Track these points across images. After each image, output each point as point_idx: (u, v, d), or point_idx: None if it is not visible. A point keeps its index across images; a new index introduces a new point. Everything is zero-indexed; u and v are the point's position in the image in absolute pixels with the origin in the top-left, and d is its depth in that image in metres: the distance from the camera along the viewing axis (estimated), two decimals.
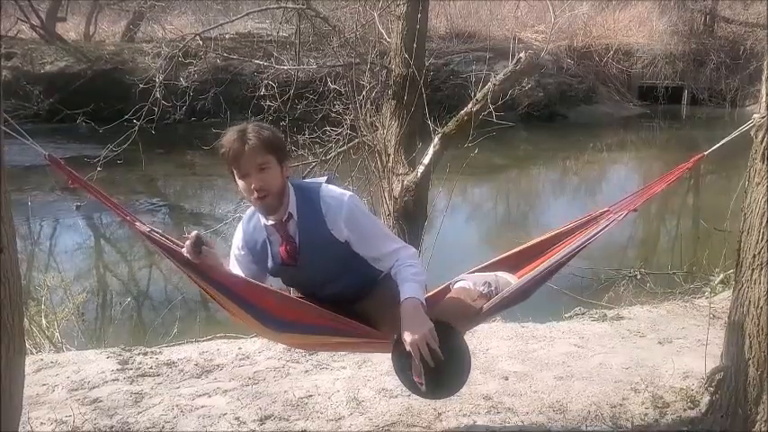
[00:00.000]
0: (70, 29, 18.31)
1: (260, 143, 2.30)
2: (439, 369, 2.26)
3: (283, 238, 2.43)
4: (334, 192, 2.42)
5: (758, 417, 2.43)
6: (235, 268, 2.54)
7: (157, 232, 2.34)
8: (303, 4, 7.10)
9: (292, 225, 2.41)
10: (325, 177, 2.55)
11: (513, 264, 2.76)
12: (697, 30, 20.09)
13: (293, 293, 2.64)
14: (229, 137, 2.33)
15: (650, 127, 18.45)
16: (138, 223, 2.34)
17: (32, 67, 15.23)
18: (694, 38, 19.74)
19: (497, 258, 2.82)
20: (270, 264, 2.49)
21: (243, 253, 2.54)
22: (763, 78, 2.46)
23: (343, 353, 3.58)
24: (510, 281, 2.64)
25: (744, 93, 18.06)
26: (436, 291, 2.73)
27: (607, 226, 2.62)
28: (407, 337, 2.24)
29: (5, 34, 15.72)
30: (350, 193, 2.45)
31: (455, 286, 2.67)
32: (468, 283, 2.66)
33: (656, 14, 20.14)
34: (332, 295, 2.51)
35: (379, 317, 2.44)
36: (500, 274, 2.69)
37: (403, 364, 2.36)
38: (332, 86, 6.80)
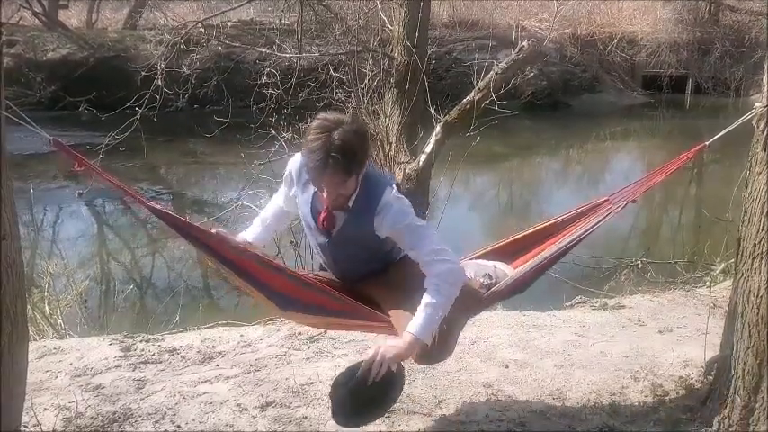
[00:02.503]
0: (72, 16, 18.25)
1: (341, 170, 2.26)
2: (369, 390, 2.29)
3: (328, 213, 2.47)
4: (393, 197, 2.41)
5: (757, 405, 2.44)
6: (276, 198, 2.72)
7: (171, 213, 2.40)
8: None
9: (344, 210, 2.45)
10: (395, 182, 2.53)
11: (512, 253, 2.78)
12: (701, 18, 19.97)
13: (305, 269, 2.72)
14: (314, 148, 2.25)
15: (654, 116, 18.38)
16: (149, 201, 2.38)
17: (34, 54, 15.19)
18: (699, 26, 19.62)
19: (497, 245, 2.84)
20: (305, 215, 2.56)
21: (284, 195, 2.66)
22: (766, 68, 2.45)
23: (345, 341, 3.61)
24: (507, 272, 2.67)
25: (748, 82, 17.95)
26: None
27: (606, 217, 2.64)
28: (382, 348, 2.28)
29: (7, 21, 15.66)
30: (406, 201, 2.44)
31: None
32: (469, 272, 2.70)
33: (660, 3, 20.01)
34: (347, 271, 2.60)
35: (385, 299, 2.50)
36: (498, 265, 2.73)
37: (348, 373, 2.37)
38: (334, 74, 6.79)
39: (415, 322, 2.32)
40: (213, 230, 2.50)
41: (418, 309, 2.34)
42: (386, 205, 2.39)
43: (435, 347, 2.44)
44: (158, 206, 2.38)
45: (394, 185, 2.47)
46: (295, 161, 2.55)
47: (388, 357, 2.26)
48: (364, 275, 2.59)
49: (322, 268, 2.76)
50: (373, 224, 2.41)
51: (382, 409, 2.48)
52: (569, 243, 2.64)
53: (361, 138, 2.34)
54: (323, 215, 2.48)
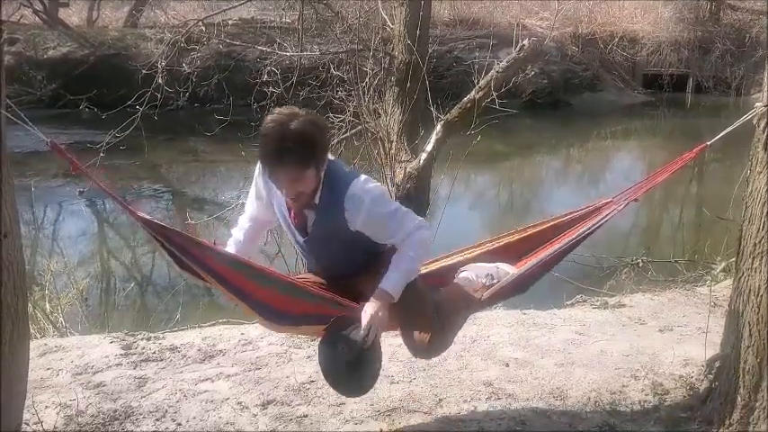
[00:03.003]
0: (73, 14, 18.23)
1: (297, 162, 2.21)
2: (360, 358, 2.39)
3: (297, 212, 2.44)
4: (360, 189, 2.34)
5: (757, 404, 2.44)
6: (245, 216, 2.65)
7: (156, 222, 2.34)
8: None
9: (311, 208, 2.41)
10: (360, 173, 2.48)
11: (514, 255, 2.78)
12: (702, 17, 19.92)
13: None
14: (268, 142, 2.20)
15: (654, 115, 18.35)
16: (139, 212, 2.34)
17: (35, 52, 15.17)
18: (700, 25, 19.58)
19: (499, 245, 2.84)
20: (281, 219, 2.52)
21: (256, 204, 2.59)
22: (766, 67, 2.45)
23: None
24: (509, 272, 2.68)
25: (749, 81, 17.91)
26: (440, 267, 2.82)
27: (608, 216, 2.65)
28: (369, 311, 2.34)
29: (8, 19, 15.65)
30: (375, 191, 2.38)
31: (459, 275, 2.74)
32: (471, 273, 2.72)
33: (661, 2, 19.98)
34: (331, 269, 2.58)
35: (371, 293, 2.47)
36: (501, 265, 2.73)
37: (339, 336, 2.41)
38: (335, 73, 6.79)
39: (392, 279, 2.39)
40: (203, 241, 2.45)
41: (394, 263, 2.40)
42: (354, 198, 2.33)
43: (433, 345, 2.48)
44: (147, 217, 2.34)
45: (360, 176, 2.40)
46: (252, 186, 2.51)
47: (380, 323, 2.34)
48: (350, 271, 2.55)
49: (309, 270, 2.72)
50: (345, 218, 2.35)
51: (375, 374, 2.51)
52: (571, 242, 2.65)
53: (319, 128, 2.28)
54: (293, 215, 2.45)
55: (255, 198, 2.58)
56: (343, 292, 2.51)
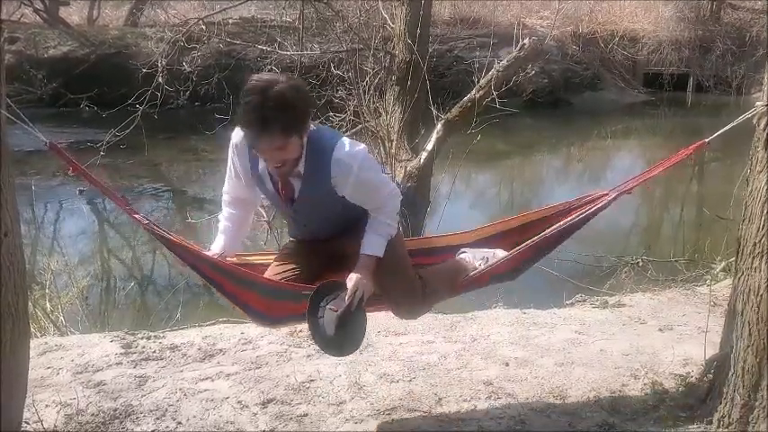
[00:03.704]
0: (73, 13, 18.22)
1: (280, 129, 2.15)
2: (346, 322, 2.43)
3: (283, 182, 2.42)
4: (346, 154, 2.31)
5: (756, 403, 2.44)
6: (226, 198, 2.63)
7: (154, 224, 2.37)
8: None
9: (296, 176, 2.38)
10: (343, 135, 2.44)
11: (510, 244, 2.80)
12: (703, 16, 19.90)
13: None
14: (249, 110, 2.14)
15: (655, 114, 18.34)
16: (136, 215, 2.36)
17: (36, 51, 15.17)
18: (700, 24, 19.56)
19: (495, 231, 2.88)
20: (267, 189, 2.49)
21: (236, 184, 2.56)
22: (766, 66, 2.45)
23: None
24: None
25: (750, 80, 17.88)
26: (439, 247, 2.90)
27: (601, 205, 2.67)
28: (355, 277, 2.39)
29: (8, 18, 15.64)
30: (360, 155, 2.35)
31: (457, 256, 2.82)
32: (468, 255, 2.80)
33: (662, 1, 19.95)
34: (317, 232, 2.59)
35: (353, 254, 2.50)
36: (498, 251, 2.77)
37: (322, 300, 2.45)
38: (335, 72, 6.79)
39: (372, 244, 2.44)
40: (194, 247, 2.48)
41: (371, 228, 2.45)
42: (339, 164, 2.30)
43: (417, 307, 2.63)
44: (146, 219, 2.36)
45: (342, 138, 2.37)
46: (238, 133, 2.41)
47: (362, 284, 2.39)
48: (337, 233, 2.57)
49: (292, 238, 2.73)
50: (331, 184, 2.34)
51: (360, 335, 2.56)
52: (564, 227, 2.70)
53: (301, 93, 2.22)
54: (279, 185, 2.42)
55: (234, 177, 2.54)
56: (326, 255, 2.57)
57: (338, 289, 2.45)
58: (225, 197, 2.65)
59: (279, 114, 2.12)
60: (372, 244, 2.44)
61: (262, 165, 2.40)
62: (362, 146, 2.41)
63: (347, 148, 2.32)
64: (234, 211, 2.64)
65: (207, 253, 2.56)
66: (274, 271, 2.62)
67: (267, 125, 2.13)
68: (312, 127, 2.35)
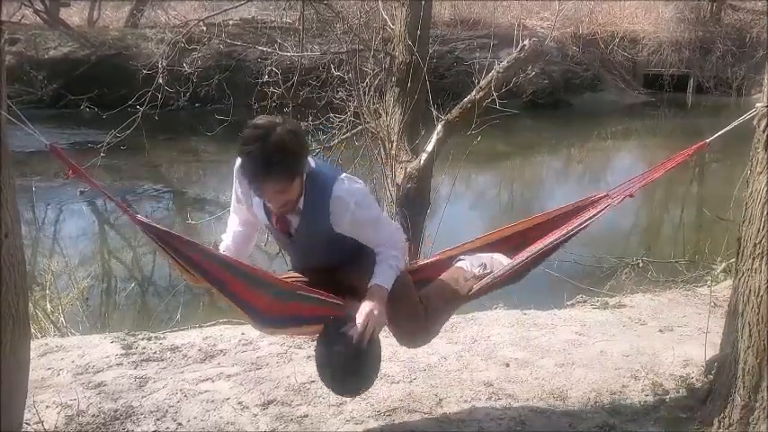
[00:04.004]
0: (74, 14, 18.24)
1: (284, 173, 2.19)
2: (358, 357, 2.40)
3: (279, 217, 2.43)
4: (345, 191, 2.35)
5: (757, 404, 2.44)
6: (233, 220, 2.63)
7: (153, 224, 2.34)
8: None
9: (296, 213, 2.40)
10: (342, 172, 2.48)
11: (510, 248, 2.79)
12: (703, 17, 19.92)
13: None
14: (251, 159, 2.18)
15: (655, 115, 18.35)
16: (138, 216, 2.34)
17: (36, 52, 15.18)
18: (701, 25, 19.58)
19: (495, 237, 2.86)
20: (261, 219, 2.51)
21: (239, 208, 2.59)
22: (766, 67, 2.45)
23: None
24: (504, 263, 2.70)
25: (750, 81, 17.90)
26: (436, 259, 2.85)
27: (603, 210, 2.65)
28: (365, 309, 2.35)
29: (9, 19, 15.65)
30: (359, 193, 2.39)
31: (455, 264, 2.78)
32: (466, 263, 2.76)
33: (662, 2, 19.96)
34: (315, 264, 2.59)
35: (360, 283, 2.49)
36: (496, 255, 2.76)
37: (336, 335, 2.42)
38: (335, 73, 6.79)
39: (383, 274, 2.42)
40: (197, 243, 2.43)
41: (381, 260, 2.43)
42: (339, 202, 2.33)
43: (421, 332, 2.57)
44: (146, 220, 2.34)
45: (341, 176, 2.40)
46: (234, 187, 2.49)
47: (372, 318, 2.35)
48: (334, 265, 2.57)
49: (294, 269, 2.70)
50: (329, 221, 2.36)
51: (374, 372, 2.53)
52: (566, 234, 2.66)
53: (299, 136, 2.25)
54: (275, 219, 2.44)
55: (237, 203, 2.58)
56: (327, 285, 2.52)
57: (350, 324, 2.38)
58: (231, 215, 2.68)
59: (280, 162, 2.16)
60: (384, 274, 2.42)
61: (259, 200, 2.43)
62: (361, 183, 2.45)
63: (346, 185, 2.37)
64: (238, 228, 2.66)
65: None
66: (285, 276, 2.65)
67: (269, 173, 2.18)
68: (312, 164, 2.38)
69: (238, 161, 2.38)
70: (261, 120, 2.24)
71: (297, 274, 2.64)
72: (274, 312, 2.47)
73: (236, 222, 2.65)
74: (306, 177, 2.33)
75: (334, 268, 2.57)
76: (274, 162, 2.15)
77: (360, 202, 2.37)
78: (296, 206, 2.36)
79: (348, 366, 2.41)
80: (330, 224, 2.37)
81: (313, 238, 2.44)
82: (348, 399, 2.89)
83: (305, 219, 2.39)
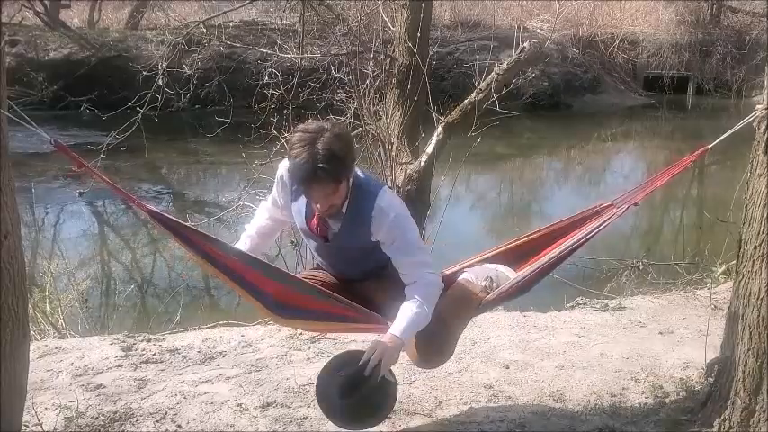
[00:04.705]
0: (74, 15, 18.25)
1: (331, 177, 2.24)
2: (363, 395, 2.36)
3: (320, 220, 2.47)
4: (388, 202, 2.41)
5: (757, 407, 2.44)
6: (262, 214, 2.69)
7: (167, 215, 2.39)
8: None
9: (337, 217, 2.44)
10: (384, 185, 2.54)
11: (517, 257, 2.79)
12: (703, 19, 19.93)
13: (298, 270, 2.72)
14: (299, 165, 2.22)
15: (655, 117, 18.37)
16: (149, 205, 2.38)
17: (36, 53, 15.19)
18: (700, 27, 19.60)
19: (500, 250, 2.85)
20: (299, 225, 2.55)
21: (272, 207, 2.65)
22: (766, 69, 2.45)
23: (346, 341, 3.61)
24: (509, 276, 2.69)
25: (750, 83, 17.90)
26: (443, 275, 2.78)
27: (608, 220, 2.66)
28: (376, 343, 2.35)
29: (9, 21, 15.66)
30: (400, 207, 2.45)
31: (459, 278, 2.75)
32: (471, 276, 2.73)
33: (662, 4, 19.99)
34: (343, 272, 2.63)
35: (384, 301, 2.52)
36: (501, 268, 2.75)
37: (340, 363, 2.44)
38: (335, 75, 6.78)
39: (399, 325, 2.37)
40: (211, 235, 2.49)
41: (402, 311, 2.39)
42: (380, 211, 2.39)
43: (435, 352, 2.53)
44: (157, 209, 2.37)
45: (385, 188, 2.47)
46: (285, 166, 2.49)
47: (386, 356, 2.32)
48: (362, 276, 2.62)
49: (319, 267, 2.76)
50: (370, 230, 2.41)
51: (379, 414, 2.48)
52: (572, 246, 2.66)
53: (346, 141, 2.31)
54: (315, 222, 2.48)
55: (272, 202, 2.65)
56: (349, 295, 2.53)
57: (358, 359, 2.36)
58: (261, 208, 2.73)
59: (327, 166, 2.21)
60: (403, 329, 2.37)
61: (300, 202, 2.48)
62: (402, 202, 2.53)
63: (389, 198, 2.44)
64: (264, 222, 2.72)
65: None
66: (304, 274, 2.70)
67: (318, 178, 2.23)
68: (359, 173, 2.44)
69: (284, 164, 2.44)
70: (310, 124, 2.30)
71: (318, 274, 2.67)
72: (289, 301, 2.48)
73: (265, 216, 2.71)
74: (351, 184, 2.40)
75: (360, 279, 2.61)
76: (322, 167, 2.20)
77: (399, 217, 2.41)
78: (339, 210, 2.41)
79: (348, 389, 2.37)
80: (370, 232, 2.42)
81: (349, 244, 2.48)
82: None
83: (346, 224, 2.44)
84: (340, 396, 2.39)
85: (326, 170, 2.21)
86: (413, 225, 2.52)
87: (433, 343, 2.54)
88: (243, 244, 2.68)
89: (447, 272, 2.81)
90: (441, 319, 2.56)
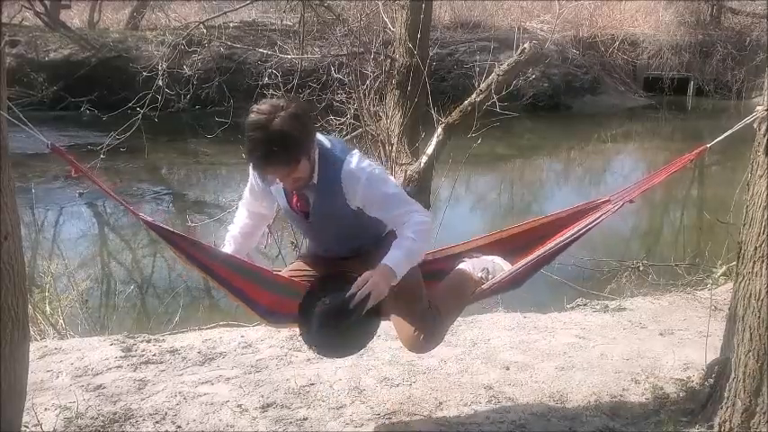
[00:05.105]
0: (74, 16, 18.27)
1: (286, 159, 2.20)
2: (341, 329, 2.32)
3: (298, 195, 2.45)
4: (356, 166, 2.34)
5: (757, 408, 2.44)
6: (242, 213, 2.66)
7: (158, 223, 2.37)
8: None
9: (311, 189, 2.40)
10: (355, 150, 2.45)
11: (512, 250, 2.79)
12: (703, 20, 19.95)
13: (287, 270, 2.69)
14: (253, 147, 2.18)
15: (655, 118, 18.37)
16: (141, 214, 2.36)
17: (36, 54, 15.20)
18: (701, 28, 19.61)
19: (496, 238, 2.86)
20: (282, 205, 2.53)
21: (251, 199, 2.62)
22: (767, 70, 2.45)
23: None
24: (505, 268, 2.70)
25: (750, 84, 17.91)
26: (441, 257, 2.84)
27: (603, 216, 2.65)
28: (366, 275, 2.27)
29: (9, 21, 15.67)
30: (369, 168, 2.37)
31: (457, 267, 2.78)
32: (468, 265, 2.76)
33: (662, 5, 19.99)
34: (333, 250, 2.60)
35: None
36: (497, 260, 2.76)
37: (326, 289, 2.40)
38: (335, 76, 6.79)
39: (392, 256, 2.32)
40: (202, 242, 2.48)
41: (395, 244, 2.35)
42: (350, 175, 2.33)
43: (427, 337, 2.52)
44: (149, 218, 2.36)
45: (354, 151, 2.40)
46: (251, 176, 2.52)
47: (375, 288, 2.26)
48: (352, 253, 2.57)
49: (309, 254, 2.73)
50: (344, 196, 2.36)
51: (353, 349, 2.50)
52: (567, 240, 2.66)
53: (301, 120, 2.22)
54: (294, 199, 2.46)
55: (250, 192, 2.61)
56: (339, 276, 2.50)
57: (347, 285, 2.31)
58: (240, 207, 2.71)
59: (282, 147, 2.16)
60: (393, 256, 2.32)
61: (279, 185, 2.45)
62: (374, 163, 2.46)
63: (357, 162, 2.36)
64: (245, 221, 2.69)
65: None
66: (288, 273, 2.66)
67: (272, 159, 2.19)
68: (325, 142, 2.39)
69: None
70: (263, 104, 2.23)
71: (306, 267, 2.65)
72: (281, 309, 2.50)
73: (245, 215, 2.69)
74: (319, 155, 2.34)
75: (351, 256, 2.56)
76: (276, 150, 2.16)
77: (371, 177, 2.34)
78: (309, 182, 2.36)
79: (329, 319, 2.32)
80: (345, 200, 2.37)
81: (330, 216, 2.43)
82: (326, 358, 2.82)
83: (320, 194, 2.39)
84: (319, 326, 2.35)
85: (281, 153, 2.16)
86: (389, 180, 2.47)
87: (426, 327, 2.53)
88: (228, 246, 2.66)
89: (444, 254, 2.83)
90: (435, 306, 2.59)
